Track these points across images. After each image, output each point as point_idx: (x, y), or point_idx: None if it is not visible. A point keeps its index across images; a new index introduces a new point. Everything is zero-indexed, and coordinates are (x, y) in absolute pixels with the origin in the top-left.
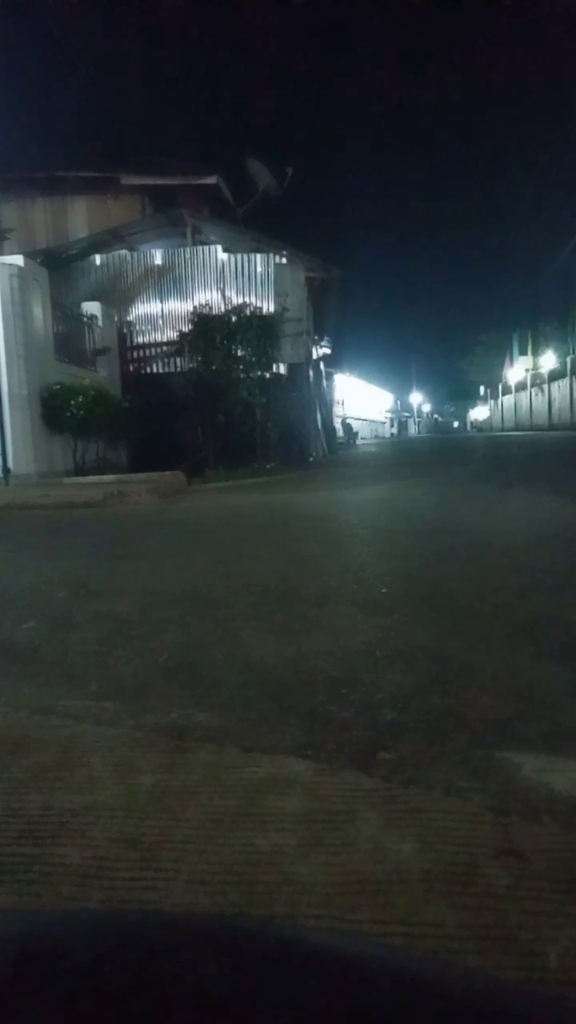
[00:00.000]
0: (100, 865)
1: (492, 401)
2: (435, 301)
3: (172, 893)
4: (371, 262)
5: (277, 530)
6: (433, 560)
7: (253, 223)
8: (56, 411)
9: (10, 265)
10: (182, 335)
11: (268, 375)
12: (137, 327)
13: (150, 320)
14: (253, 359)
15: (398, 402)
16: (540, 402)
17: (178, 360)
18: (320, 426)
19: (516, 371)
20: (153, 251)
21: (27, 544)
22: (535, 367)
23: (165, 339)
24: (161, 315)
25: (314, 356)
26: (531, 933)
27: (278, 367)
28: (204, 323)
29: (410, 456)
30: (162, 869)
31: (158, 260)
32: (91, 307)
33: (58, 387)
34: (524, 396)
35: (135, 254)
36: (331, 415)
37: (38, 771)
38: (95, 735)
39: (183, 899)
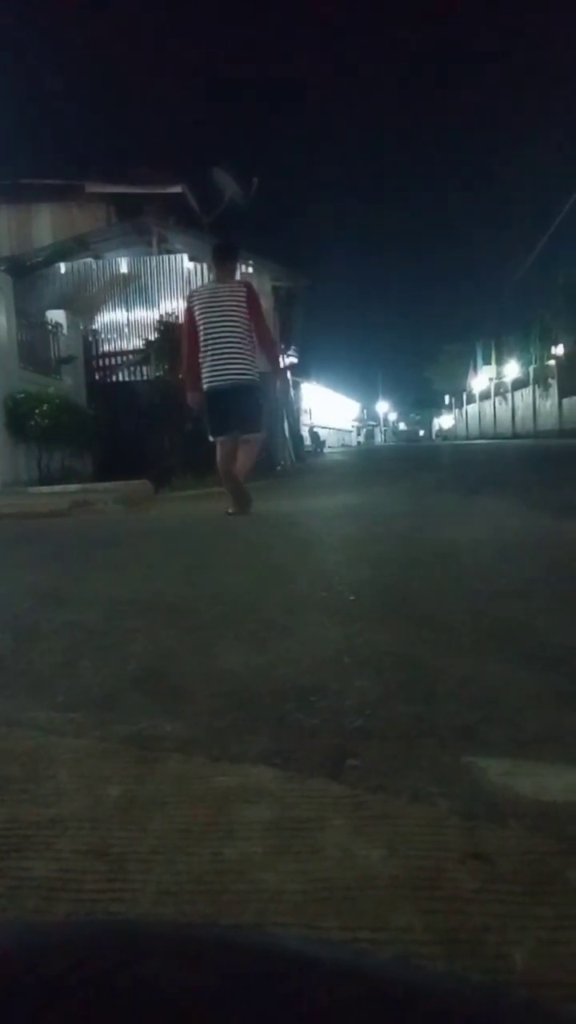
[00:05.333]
0: (66, 878)
1: (457, 410)
2: (400, 311)
3: (140, 905)
4: (338, 272)
5: (245, 538)
6: (400, 567)
7: (220, 232)
8: (20, 420)
9: None
10: (148, 343)
11: None
12: (103, 335)
13: (116, 328)
14: None
15: (364, 411)
16: (504, 411)
17: (144, 368)
18: (287, 435)
19: (480, 380)
20: (119, 259)
21: None
22: (499, 376)
23: (131, 347)
24: (127, 323)
25: (281, 365)
26: (497, 936)
27: None
28: (171, 331)
29: (377, 464)
30: (129, 880)
31: (124, 268)
32: (56, 315)
33: (22, 396)
34: (488, 405)
35: (100, 262)
36: (298, 424)
37: (2, 784)
38: (61, 746)
39: (151, 910)
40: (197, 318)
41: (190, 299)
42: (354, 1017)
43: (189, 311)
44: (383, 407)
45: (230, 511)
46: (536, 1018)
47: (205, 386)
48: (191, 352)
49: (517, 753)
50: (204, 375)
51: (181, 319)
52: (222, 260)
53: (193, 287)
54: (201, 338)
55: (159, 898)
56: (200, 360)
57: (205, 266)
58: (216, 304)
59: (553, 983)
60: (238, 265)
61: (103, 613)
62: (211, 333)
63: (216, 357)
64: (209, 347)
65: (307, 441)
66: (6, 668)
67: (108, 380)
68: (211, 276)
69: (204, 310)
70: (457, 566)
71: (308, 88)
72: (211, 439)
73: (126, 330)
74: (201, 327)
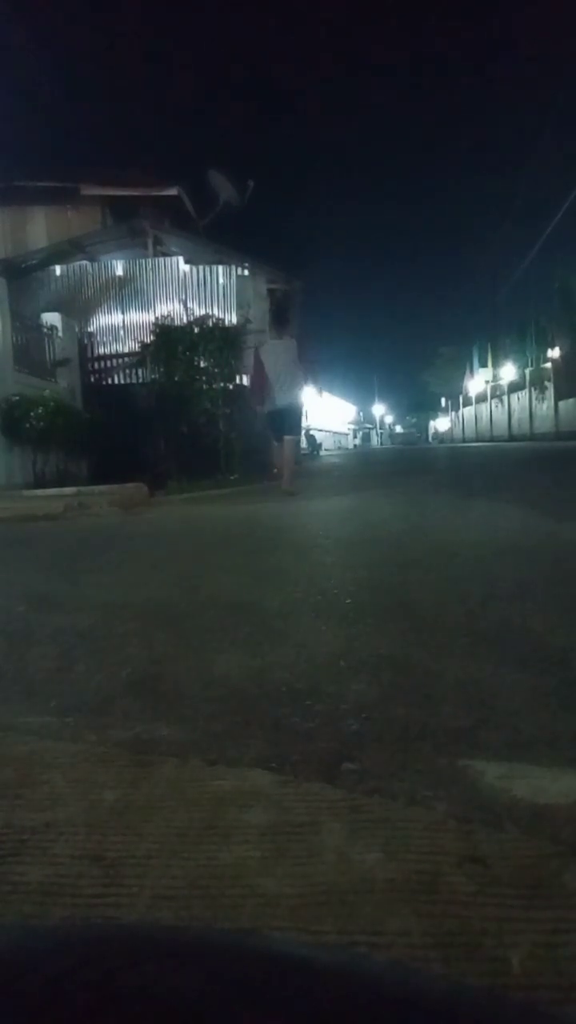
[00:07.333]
0: (62, 883)
1: (453, 412)
2: (397, 314)
3: (135, 909)
4: (334, 275)
5: (241, 542)
6: (396, 570)
7: (215, 235)
8: (15, 422)
9: None
10: (144, 346)
11: (231, 386)
12: (98, 338)
13: (111, 331)
14: (216, 370)
15: (361, 414)
16: (500, 413)
17: (140, 371)
18: None
19: (476, 383)
20: (114, 262)
21: None
22: (495, 379)
23: (127, 350)
24: (122, 326)
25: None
26: (494, 939)
27: (241, 378)
28: (166, 334)
29: (374, 467)
30: (125, 885)
31: (119, 271)
32: (51, 318)
33: (17, 398)
34: (484, 408)
35: (96, 265)
36: None
37: None
38: (56, 751)
39: (147, 915)
40: (263, 359)
41: (258, 347)
42: (352, 1021)
43: (257, 355)
44: (379, 410)
45: (284, 488)
46: (533, 1022)
47: (267, 407)
48: (259, 382)
49: (513, 756)
50: (266, 399)
51: (176, 321)
52: (279, 324)
53: (187, 287)
54: (266, 373)
55: (155, 902)
56: (262, 388)
57: (202, 269)
58: (275, 352)
59: (550, 986)
60: (290, 327)
61: (97, 617)
62: (271, 371)
63: (275, 388)
64: (269, 380)
65: (303, 444)
66: (0, 672)
67: (104, 383)
68: (271, 333)
69: (267, 355)
70: (452, 569)
71: (305, 90)
72: (276, 443)
73: (122, 333)
74: (265, 366)
